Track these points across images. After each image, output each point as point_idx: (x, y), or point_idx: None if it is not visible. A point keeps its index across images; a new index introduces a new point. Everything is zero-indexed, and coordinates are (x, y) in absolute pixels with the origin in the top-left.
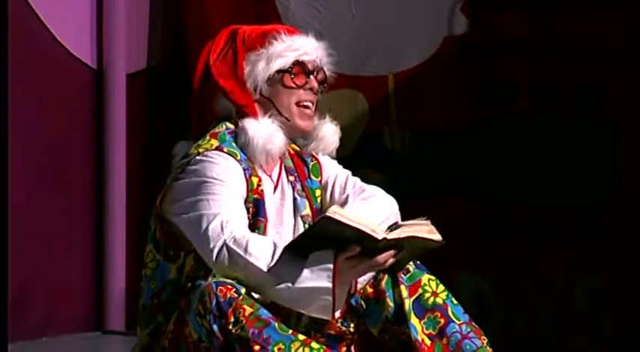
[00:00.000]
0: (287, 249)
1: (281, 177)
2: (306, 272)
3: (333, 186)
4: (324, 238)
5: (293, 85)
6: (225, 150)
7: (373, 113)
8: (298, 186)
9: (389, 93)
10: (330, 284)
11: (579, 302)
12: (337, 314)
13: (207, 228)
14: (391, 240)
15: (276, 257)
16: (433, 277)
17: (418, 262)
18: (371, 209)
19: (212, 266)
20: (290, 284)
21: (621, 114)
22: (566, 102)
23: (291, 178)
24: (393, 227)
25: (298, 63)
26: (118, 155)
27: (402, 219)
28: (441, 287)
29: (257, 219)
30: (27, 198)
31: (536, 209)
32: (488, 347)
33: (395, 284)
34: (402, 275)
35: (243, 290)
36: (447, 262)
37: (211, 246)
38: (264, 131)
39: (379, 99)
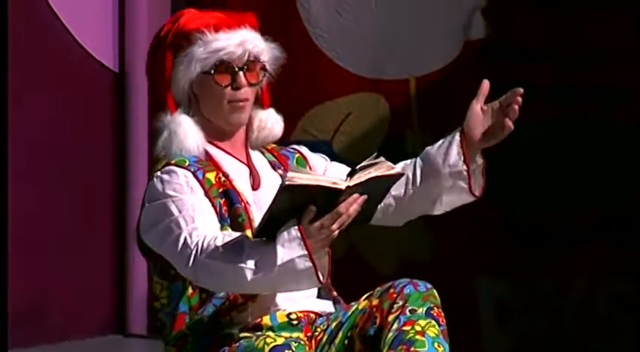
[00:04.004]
0: (256, 236)
1: (251, 162)
2: (279, 250)
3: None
4: (287, 211)
5: (217, 86)
6: (172, 162)
7: (395, 117)
8: None
9: (410, 96)
10: (304, 251)
11: (601, 306)
12: (323, 278)
13: (175, 251)
14: (354, 186)
15: (247, 249)
16: (435, 323)
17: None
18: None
19: (197, 284)
20: (270, 269)
21: None
22: (588, 105)
23: (279, 172)
24: (350, 173)
25: (221, 63)
26: (140, 157)
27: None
28: (435, 330)
29: (234, 207)
30: (48, 200)
31: (558, 213)
32: None
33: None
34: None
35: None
36: (469, 266)
37: (185, 266)
38: (175, 135)
39: (401, 102)
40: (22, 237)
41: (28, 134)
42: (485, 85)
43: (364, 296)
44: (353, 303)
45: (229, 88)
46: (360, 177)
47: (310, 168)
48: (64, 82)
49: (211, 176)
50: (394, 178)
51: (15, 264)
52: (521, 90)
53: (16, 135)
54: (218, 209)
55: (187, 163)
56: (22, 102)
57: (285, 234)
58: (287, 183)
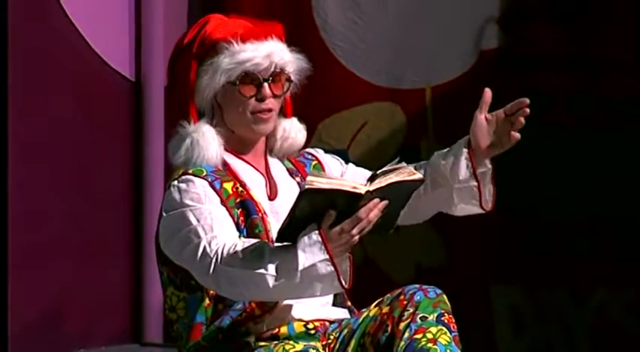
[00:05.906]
0: (277, 241)
1: (270, 171)
2: (300, 255)
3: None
4: (308, 215)
5: (241, 97)
6: (190, 172)
7: (411, 126)
8: None
9: (426, 106)
10: (326, 255)
11: (615, 316)
12: (345, 283)
13: (195, 260)
14: (374, 191)
15: (268, 256)
16: (446, 330)
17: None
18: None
19: (220, 293)
20: (292, 274)
21: None
22: (604, 114)
23: (297, 179)
24: (371, 178)
25: (247, 74)
26: (156, 166)
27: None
28: (447, 337)
29: (251, 217)
30: (64, 209)
31: (572, 222)
32: None
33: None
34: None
35: None
36: (484, 274)
37: (206, 274)
38: (198, 144)
39: (416, 112)
40: (38, 246)
41: (44, 142)
42: (488, 93)
43: (374, 303)
44: (364, 310)
45: (253, 99)
46: (381, 181)
47: (325, 172)
48: (80, 91)
49: (228, 186)
50: (415, 184)
51: (30, 272)
52: (527, 100)
53: (31, 143)
54: (235, 219)
55: (205, 173)
56: (37, 109)
57: (305, 238)
58: (307, 187)
